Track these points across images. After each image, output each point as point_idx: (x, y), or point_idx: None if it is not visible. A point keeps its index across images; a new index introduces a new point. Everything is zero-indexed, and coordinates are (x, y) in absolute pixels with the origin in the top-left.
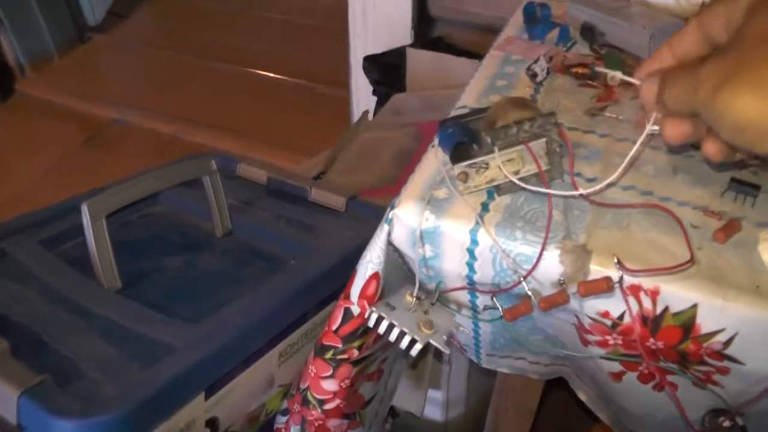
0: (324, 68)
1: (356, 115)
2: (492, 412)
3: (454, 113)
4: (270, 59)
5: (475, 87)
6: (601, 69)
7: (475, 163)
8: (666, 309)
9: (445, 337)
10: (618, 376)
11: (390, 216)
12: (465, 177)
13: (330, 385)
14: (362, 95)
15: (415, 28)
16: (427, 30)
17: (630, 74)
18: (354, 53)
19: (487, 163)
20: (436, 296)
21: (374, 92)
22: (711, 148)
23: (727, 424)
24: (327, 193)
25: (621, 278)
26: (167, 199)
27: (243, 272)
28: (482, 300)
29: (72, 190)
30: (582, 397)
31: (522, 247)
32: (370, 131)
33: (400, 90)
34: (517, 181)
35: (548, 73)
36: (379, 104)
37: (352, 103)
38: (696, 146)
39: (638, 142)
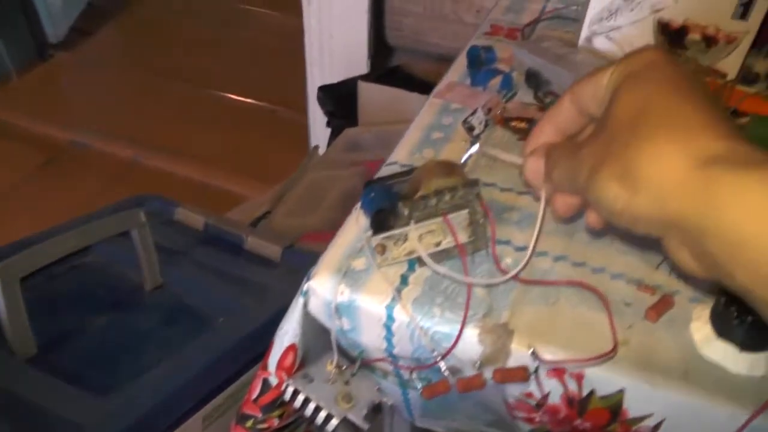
0: (287, 91)
1: (314, 144)
2: None
3: (384, 169)
4: (233, 81)
5: (409, 140)
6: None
7: (392, 235)
8: (592, 392)
9: (365, 411)
10: None
11: (305, 288)
12: (383, 249)
13: None
14: (319, 125)
15: (371, 57)
16: (384, 59)
17: None
18: (311, 82)
19: (405, 235)
20: (357, 367)
21: (328, 123)
22: (593, 220)
23: None
24: (263, 242)
25: (537, 368)
26: (99, 248)
27: (169, 331)
28: (406, 371)
29: (29, 214)
30: None
31: (440, 326)
32: (318, 169)
33: (354, 121)
34: (429, 261)
35: (486, 125)
36: (333, 136)
37: (309, 133)
38: None
39: (537, 222)
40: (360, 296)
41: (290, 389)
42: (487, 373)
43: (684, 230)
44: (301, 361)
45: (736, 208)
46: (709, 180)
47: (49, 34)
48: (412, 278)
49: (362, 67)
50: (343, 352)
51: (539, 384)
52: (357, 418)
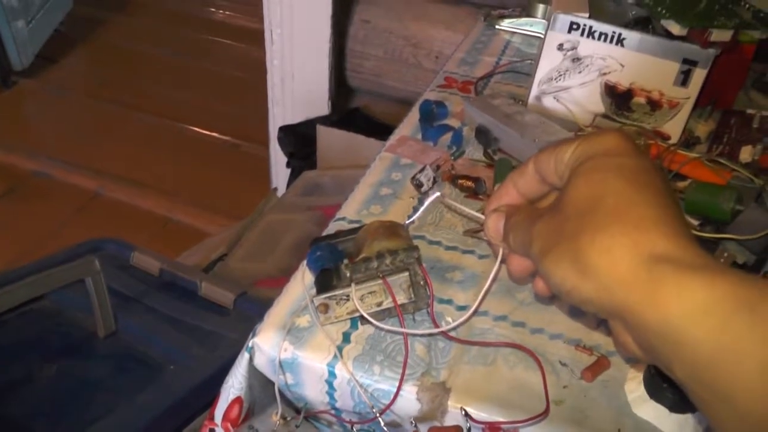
0: (251, 126)
1: (275, 183)
2: None
3: (332, 225)
4: (198, 113)
5: (358, 196)
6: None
7: (335, 296)
8: None
9: None
10: None
11: (250, 344)
12: (325, 308)
13: None
14: (281, 163)
15: (332, 98)
16: (346, 100)
17: None
18: (273, 120)
19: (347, 295)
20: (301, 418)
21: (288, 164)
22: (541, 289)
23: None
24: (217, 289)
25: (469, 429)
26: (53, 292)
27: (121, 380)
28: (349, 423)
29: None
30: None
31: (380, 383)
32: (275, 211)
33: (314, 163)
34: (370, 318)
35: (434, 182)
36: (293, 177)
37: (270, 172)
38: None
39: (490, 278)
40: (303, 353)
41: None
42: (423, 430)
43: (628, 321)
44: (248, 411)
45: (678, 310)
46: (654, 278)
47: (14, 62)
48: (354, 336)
49: (323, 107)
50: (289, 404)
51: None
52: None
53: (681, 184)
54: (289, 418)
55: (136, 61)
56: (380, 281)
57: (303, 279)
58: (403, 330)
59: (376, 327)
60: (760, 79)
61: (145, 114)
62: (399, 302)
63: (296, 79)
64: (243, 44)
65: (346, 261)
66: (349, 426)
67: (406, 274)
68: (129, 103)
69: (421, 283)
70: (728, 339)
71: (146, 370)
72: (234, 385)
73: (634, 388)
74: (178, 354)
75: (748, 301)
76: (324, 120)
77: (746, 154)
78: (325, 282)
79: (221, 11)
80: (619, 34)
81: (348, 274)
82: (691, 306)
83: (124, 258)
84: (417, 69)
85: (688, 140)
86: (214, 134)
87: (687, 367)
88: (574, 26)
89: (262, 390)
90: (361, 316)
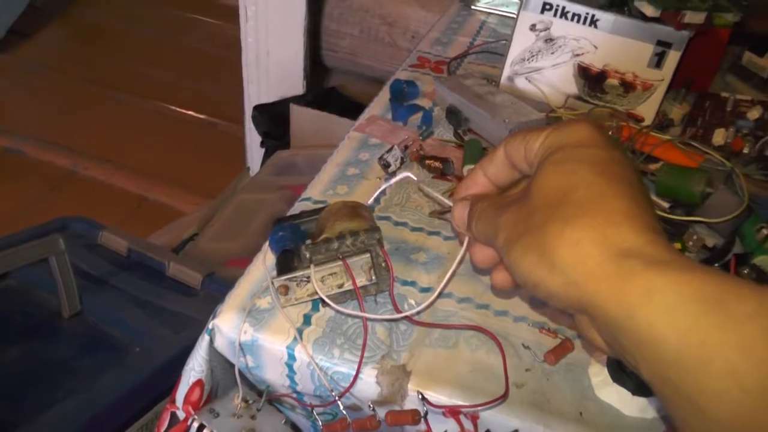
0: (227, 105)
1: (250, 162)
2: None
3: (297, 206)
4: (175, 91)
5: (325, 176)
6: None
7: (295, 277)
8: (488, 431)
9: None
10: None
11: (211, 326)
12: (285, 290)
13: None
14: (256, 143)
15: (307, 78)
16: (321, 79)
17: None
18: (248, 99)
19: (308, 277)
20: (263, 401)
21: (262, 144)
22: (500, 281)
23: None
24: (184, 269)
25: (426, 413)
26: (18, 271)
27: (84, 361)
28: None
29: None
30: None
31: (340, 366)
32: (248, 191)
33: (287, 143)
34: (329, 300)
35: (402, 162)
36: (266, 156)
37: (246, 151)
38: None
39: (456, 262)
40: (262, 336)
41: (195, 424)
42: (382, 414)
43: (594, 317)
44: (209, 394)
45: (646, 308)
46: (623, 273)
47: None
48: (315, 319)
49: (298, 87)
50: (251, 387)
51: (429, 424)
52: None
53: (653, 166)
54: (251, 402)
55: (113, 38)
56: (341, 263)
57: (265, 260)
58: (362, 314)
59: (335, 310)
60: (736, 63)
61: (121, 92)
62: (360, 284)
63: (271, 58)
64: (221, 21)
65: (308, 242)
66: (310, 409)
67: (368, 255)
68: (105, 81)
69: (383, 264)
70: (696, 340)
71: (111, 352)
72: (195, 368)
73: (598, 371)
74: (144, 335)
75: (717, 302)
76: (299, 99)
77: (719, 137)
78: (286, 263)
79: None
80: (593, 16)
81: (308, 255)
82: (659, 304)
83: (92, 237)
84: (392, 48)
85: (662, 123)
86: (190, 113)
87: (653, 365)
88: (547, 7)
89: (225, 373)
90: (322, 299)
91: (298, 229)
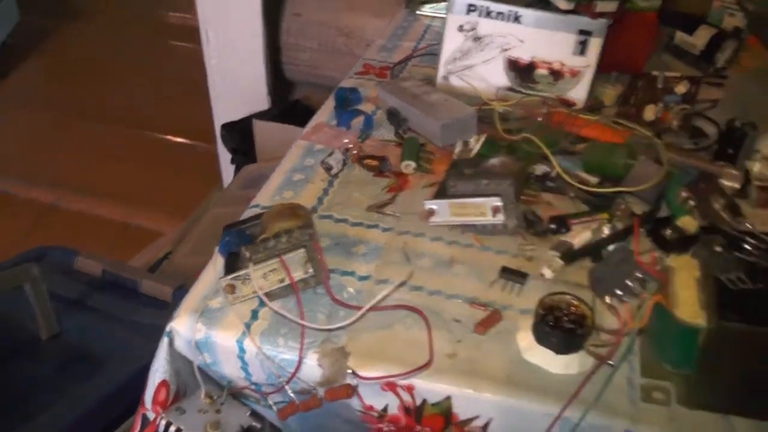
0: (203, 125)
1: (225, 179)
2: None
3: (247, 212)
4: (151, 116)
5: (272, 183)
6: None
7: (239, 276)
8: (425, 401)
9: None
10: None
11: (168, 329)
12: (232, 289)
13: None
14: (227, 161)
15: (272, 93)
16: (286, 93)
17: (428, 161)
18: (217, 119)
19: (250, 275)
20: (224, 396)
21: (232, 161)
22: None
23: None
24: (156, 285)
25: (357, 386)
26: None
27: (63, 377)
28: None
29: None
30: None
31: (285, 354)
32: (220, 206)
33: (254, 157)
34: (264, 298)
35: (344, 164)
36: (237, 172)
37: (220, 169)
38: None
39: None
40: (215, 332)
41: (163, 422)
42: (320, 394)
43: None
44: (176, 394)
45: None
46: None
47: None
48: (261, 313)
49: (263, 102)
50: (216, 385)
51: (361, 398)
52: None
53: (581, 146)
54: (215, 397)
55: (88, 69)
56: (278, 259)
57: (215, 265)
58: (301, 321)
59: (267, 305)
60: (670, 43)
61: (99, 122)
62: (299, 277)
63: (235, 76)
64: (195, 45)
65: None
66: (265, 398)
67: (303, 250)
68: (82, 112)
69: (319, 258)
70: None
71: (88, 367)
72: (158, 369)
73: (525, 336)
74: (119, 349)
75: None
76: (264, 114)
77: (650, 112)
78: (232, 265)
79: (175, 13)
80: (515, 12)
81: (248, 255)
82: None
83: (68, 263)
84: (351, 57)
85: (594, 105)
86: (168, 137)
87: None
88: (472, 8)
89: (190, 374)
90: (267, 293)
91: (244, 233)
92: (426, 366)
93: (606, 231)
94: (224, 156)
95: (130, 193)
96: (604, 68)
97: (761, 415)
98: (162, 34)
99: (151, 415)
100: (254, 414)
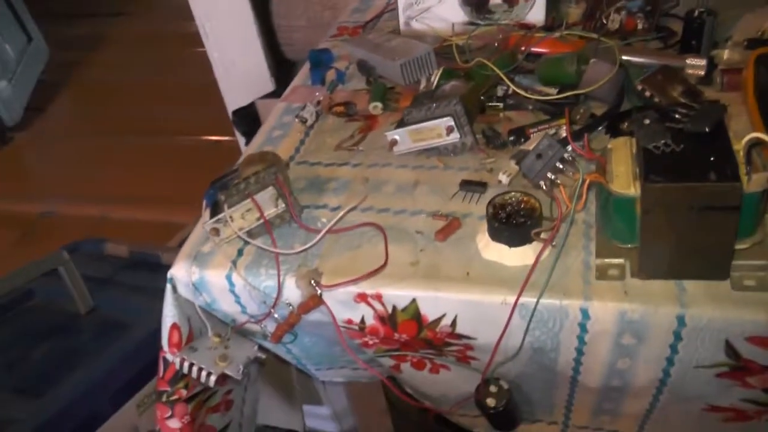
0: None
1: None
2: (356, 417)
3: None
4: (181, 122)
5: (255, 143)
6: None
7: (220, 219)
8: (395, 307)
9: (241, 367)
10: (396, 368)
11: (169, 276)
12: (216, 232)
13: (173, 423)
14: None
15: (274, 75)
16: (290, 73)
17: (395, 100)
18: (230, 108)
19: (227, 217)
20: (229, 333)
21: (246, 143)
22: None
23: (493, 389)
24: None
25: (321, 294)
26: (39, 291)
27: (100, 344)
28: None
29: None
30: (408, 390)
31: (268, 281)
32: None
33: None
34: (242, 234)
35: (318, 115)
36: None
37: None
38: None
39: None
40: (206, 272)
41: (177, 359)
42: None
43: None
44: (189, 336)
45: None
46: None
47: (5, 119)
48: (246, 250)
49: (268, 85)
50: (223, 325)
51: (327, 303)
52: (233, 372)
53: (531, 65)
54: (224, 335)
55: (117, 91)
56: (249, 199)
57: (204, 214)
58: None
59: (245, 240)
60: None
61: (132, 137)
62: (272, 213)
63: (237, 66)
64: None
65: None
66: (264, 329)
67: (271, 188)
68: (118, 131)
69: (287, 195)
70: None
71: (121, 332)
72: (168, 315)
73: (482, 238)
74: (145, 313)
75: None
76: (271, 95)
77: (615, 21)
78: (215, 211)
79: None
80: None
81: (223, 199)
82: None
83: (99, 251)
84: None
85: (552, 25)
86: (196, 137)
87: None
88: None
89: (198, 318)
90: (249, 232)
91: (226, 184)
92: (381, 268)
93: (563, 133)
94: (242, 142)
95: (169, 196)
96: None
97: (707, 274)
98: (180, 43)
99: (170, 357)
100: (261, 348)
